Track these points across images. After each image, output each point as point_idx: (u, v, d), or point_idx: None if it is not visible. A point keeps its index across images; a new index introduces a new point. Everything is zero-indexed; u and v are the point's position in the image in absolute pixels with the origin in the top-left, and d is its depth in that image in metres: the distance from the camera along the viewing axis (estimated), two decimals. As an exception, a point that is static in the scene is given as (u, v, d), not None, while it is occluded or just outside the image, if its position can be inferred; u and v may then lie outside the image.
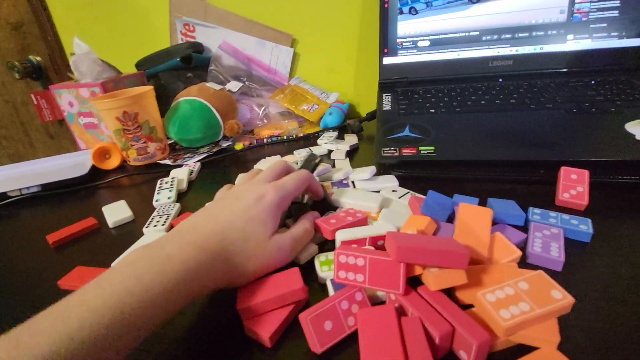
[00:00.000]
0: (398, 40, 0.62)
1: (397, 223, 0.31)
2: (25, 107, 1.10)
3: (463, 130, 0.45)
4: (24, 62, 0.99)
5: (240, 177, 0.48)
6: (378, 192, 0.39)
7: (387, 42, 0.62)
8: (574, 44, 0.54)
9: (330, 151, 0.55)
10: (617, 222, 0.31)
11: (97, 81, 0.63)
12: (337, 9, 0.73)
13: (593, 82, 0.50)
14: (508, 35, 0.57)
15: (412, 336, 0.20)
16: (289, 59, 0.78)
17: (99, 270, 0.32)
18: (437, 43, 0.60)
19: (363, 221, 0.32)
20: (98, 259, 0.35)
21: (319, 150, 0.55)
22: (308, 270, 0.29)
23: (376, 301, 0.25)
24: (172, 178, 0.48)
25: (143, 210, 0.44)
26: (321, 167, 0.41)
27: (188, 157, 0.60)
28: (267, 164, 0.51)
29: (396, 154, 0.43)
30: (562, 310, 0.20)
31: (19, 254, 0.39)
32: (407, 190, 0.39)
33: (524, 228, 0.31)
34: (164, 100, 0.66)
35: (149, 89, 0.57)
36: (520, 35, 0.56)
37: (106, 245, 0.38)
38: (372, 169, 0.42)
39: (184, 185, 0.48)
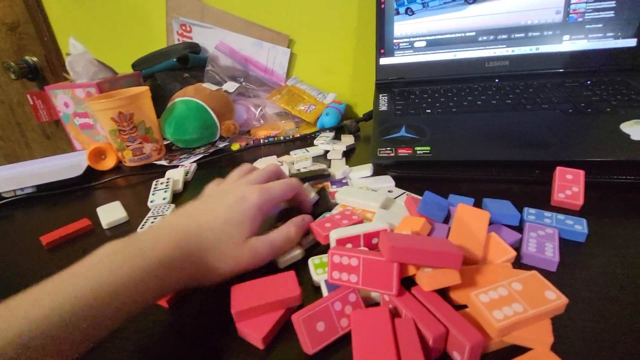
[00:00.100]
0: (394, 40, 0.62)
1: (393, 223, 0.31)
2: (21, 107, 1.09)
3: (459, 130, 0.45)
4: (20, 63, 0.99)
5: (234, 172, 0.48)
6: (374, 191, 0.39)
7: (383, 43, 0.62)
8: (569, 44, 0.54)
9: (326, 152, 0.55)
10: (612, 222, 0.31)
11: (92, 82, 0.62)
12: (333, 9, 0.73)
13: (589, 82, 0.50)
14: (504, 36, 0.57)
15: (405, 338, 0.20)
16: (285, 59, 0.78)
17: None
18: (434, 43, 0.60)
19: (359, 223, 0.31)
20: (92, 260, 0.34)
21: (316, 150, 0.54)
22: (302, 271, 0.28)
23: (370, 302, 0.24)
24: (168, 179, 0.48)
25: (138, 211, 0.43)
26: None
27: (184, 157, 0.60)
28: (263, 164, 0.51)
29: (392, 155, 0.43)
30: (555, 310, 0.20)
31: (13, 255, 0.38)
32: (403, 191, 0.39)
33: (519, 228, 0.31)
34: (161, 101, 0.65)
35: (144, 89, 0.57)
36: (517, 35, 0.56)
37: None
38: (371, 166, 0.43)
39: (180, 186, 0.48)
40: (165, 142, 0.65)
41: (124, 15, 0.87)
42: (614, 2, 0.51)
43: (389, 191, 0.39)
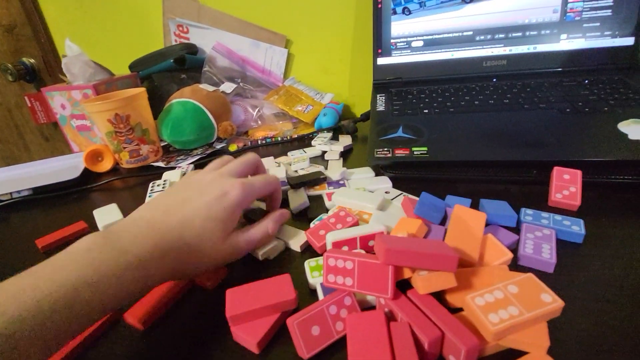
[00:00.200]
0: (392, 40, 0.61)
1: (389, 224, 0.31)
2: (19, 109, 1.09)
3: (456, 130, 0.45)
4: (17, 65, 0.98)
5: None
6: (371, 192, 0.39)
7: (380, 43, 0.62)
8: (567, 43, 0.54)
9: (324, 152, 0.54)
10: (610, 223, 0.31)
11: (89, 83, 0.62)
12: (330, 9, 0.72)
13: (586, 81, 0.50)
14: (501, 35, 0.56)
15: (400, 342, 0.19)
16: (283, 59, 0.78)
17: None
18: (431, 43, 0.60)
19: (354, 225, 0.31)
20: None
21: (313, 151, 0.54)
22: (298, 274, 0.28)
23: (366, 306, 0.24)
24: (164, 181, 0.48)
25: (134, 213, 0.43)
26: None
27: (181, 159, 0.60)
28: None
29: (389, 155, 0.42)
30: (552, 314, 0.19)
31: (8, 258, 0.38)
32: (400, 192, 0.39)
33: (516, 229, 0.31)
34: (158, 102, 0.65)
35: (141, 90, 0.57)
36: (514, 35, 0.56)
37: (96, 250, 0.37)
38: (370, 169, 0.44)
39: (176, 188, 0.48)
40: (163, 144, 0.65)
41: (121, 17, 0.87)
42: (611, 0, 0.51)
43: (386, 192, 0.39)
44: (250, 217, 0.35)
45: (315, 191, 0.41)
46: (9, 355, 0.17)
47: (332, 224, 0.32)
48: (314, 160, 0.53)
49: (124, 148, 0.56)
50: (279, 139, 0.64)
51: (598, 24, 0.53)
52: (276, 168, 0.48)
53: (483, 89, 0.53)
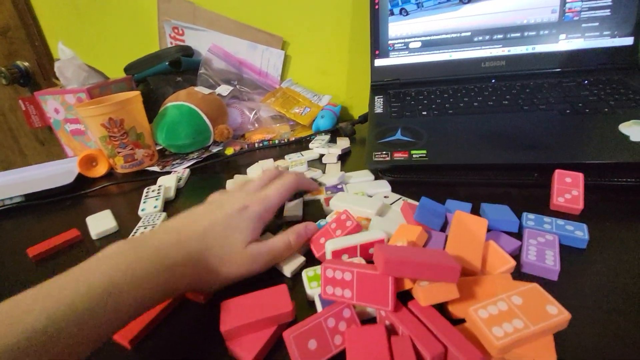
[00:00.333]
0: (389, 41, 0.61)
1: (389, 230, 0.31)
2: (13, 113, 1.08)
3: (455, 133, 0.44)
4: (11, 68, 0.97)
5: (229, 184, 0.47)
6: (370, 197, 0.38)
7: (378, 44, 0.61)
8: (566, 43, 0.54)
9: (322, 155, 0.54)
10: (614, 227, 0.30)
11: (83, 87, 0.61)
12: (327, 10, 0.72)
13: (586, 82, 0.50)
14: (500, 36, 0.56)
15: (402, 357, 0.19)
16: (280, 61, 0.77)
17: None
18: (429, 44, 0.59)
19: (355, 231, 0.31)
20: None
21: (310, 154, 0.54)
22: (295, 284, 0.27)
23: (366, 317, 0.24)
24: (159, 186, 0.47)
25: (129, 219, 0.42)
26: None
27: (177, 163, 0.59)
28: (259, 167, 0.50)
29: (388, 159, 0.42)
30: (558, 326, 0.19)
31: (-1, 268, 0.37)
32: (399, 196, 0.38)
33: (519, 234, 0.30)
34: (153, 106, 0.64)
35: (135, 94, 0.56)
36: (513, 35, 0.55)
37: (89, 259, 0.36)
38: (369, 172, 0.43)
39: (172, 193, 0.47)
40: (158, 148, 0.64)
41: (115, 19, 0.86)
42: (609, 0, 0.51)
43: (385, 197, 0.38)
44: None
45: (312, 196, 0.41)
46: (45, 351, 0.18)
47: (333, 229, 0.31)
48: (311, 163, 0.52)
49: (119, 153, 0.56)
50: (276, 142, 0.63)
51: (597, 24, 0.52)
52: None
53: (482, 90, 0.53)
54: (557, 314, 0.19)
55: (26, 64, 0.99)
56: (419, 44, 0.60)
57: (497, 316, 0.19)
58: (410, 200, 0.36)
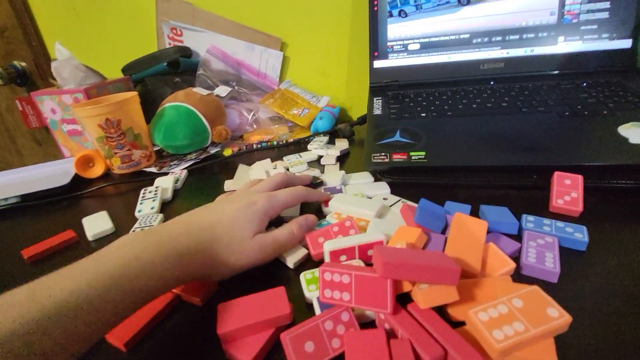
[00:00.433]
0: (388, 43, 0.61)
1: (388, 232, 0.30)
2: (10, 113, 1.07)
3: (454, 134, 0.44)
4: (8, 68, 0.97)
5: (227, 184, 0.47)
6: (370, 199, 0.38)
7: (377, 45, 0.61)
8: (565, 45, 0.54)
9: (320, 157, 0.53)
10: (614, 229, 0.30)
11: (80, 87, 0.61)
12: (326, 11, 0.72)
13: (585, 84, 0.50)
14: (499, 38, 0.56)
15: (400, 360, 0.18)
16: (278, 62, 0.77)
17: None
18: (428, 46, 0.59)
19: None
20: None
21: (309, 156, 0.53)
22: (294, 287, 0.27)
23: (365, 320, 0.23)
24: (156, 187, 0.47)
25: (126, 220, 0.42)
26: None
27: (175, 164, 0.58)
28: (258, 167, 0.50)
29: (386, 160, 0.42)
30: (558, 329, 0.19)
31: (-7, 270, 0.37)
32: (398, 198, 0.38)
33: (518, 237, 0.30)
34: (151, 106, 0.64)
35: (132, 95, 0.56)
36: (511, 37, 0.55)
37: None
38: (369, 174, 0.43)
39: (169, 195, 0.47)
40: (156, 149, 0.64)
41: (114, 19, 0.86)
42: (608, 3, 0.51)
43: (384, 198, 0.38)
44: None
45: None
46: (68, 324, 0.19)
47: (335, 233, 0.31)
48: (310, 164, 0.52)
49: (115, 153, 0.55)
50: (275, 143, 0.63)
51: (595, 26, 0.52)
52: (273, 171, 0.48)
53: (480, 92, 0.53)
54: (557, 316, 0.19)
55: (23, 64, 0.98)
56: (417, 46, 0.60)
57: (498, 319, 0.19)
58: (409, 202, 0.36)
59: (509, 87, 0.53)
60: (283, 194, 0.33)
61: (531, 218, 0.31)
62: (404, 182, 0.42)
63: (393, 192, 0.39)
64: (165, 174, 0.54)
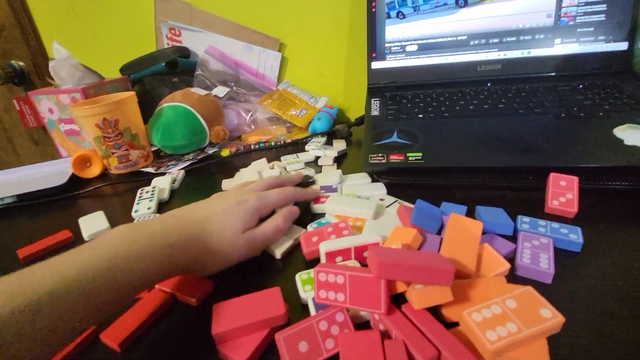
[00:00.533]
0: (386, 44, 0.61)
1: (384, 233, 0.30)
2: (7, 113, 1.07)
3: (451, 135, 0.44)
4: (6, 67, 0.96)
5: (225, 183, 0.47)
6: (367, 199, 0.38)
7: (375, 47, 0.62)
8: (561, 47, 0.54)
9: (317, 157, 0.54)
10: (608, 230, 0.30)
11: (78, 87, 0.61)
12: (324, 13, 0.72)
13: (581, 86, 0.50)
14: (496, 40, 0.56)
15: (394, 361, 0.18)
16: (276, 63, 0.77)
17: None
18: (425, 47, 0.59)
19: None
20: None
21: (306, 156, 0.53)
22: (290, 287, 0.27)
23: (360, 321, 0.23)
24: (153, 187, 0.47)
25: (122, 221, 0.42)
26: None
27: (172, 164, 0.58)
28: (252, 168, 0.50)
29: (384, 161, 0.42)
30: (551, 330, 0.19)
31: (-12, 270, 0.37)
32: (395, 199, 0.38)
33: (513, 237, 0.30)
34: (149, 106, 0.64)
35: (130, 94, 0.56)
36: (508, 39, 0.56)
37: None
38: (367, 175, 0.43)
39: (166, 195, 0.47)
40: (153, 149, 0.64)
41: (112, 19, 0.86)
42: (604, 5, 0.51)
43: (381, 199, 0.38)
44: None
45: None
46: (61, 310, 0.19)
47: (328, 233, 0.31)
48: (307, 165, 0.52)
49: (113, 153, 0.55)
50: (273, 143, 0.63)
51: (592, 28, 0.52)
52: (270, 170, 0.48)
53: (477, 94, 0.53)
54: (551, 317, 0.19)
55: (21, 63, 0.98)
56: (415, 47, 0.60)
57: (491, 320, 0.19)
58: (405, 203, 0.36)
59: (506, 88, 0.53)
60: (274, 194, 0.34)
61: (526, 219, 0.31)
62: (401, 182, 0.42)
63: (390, 192, 0.39)
64: (163, 174, 0.54)
